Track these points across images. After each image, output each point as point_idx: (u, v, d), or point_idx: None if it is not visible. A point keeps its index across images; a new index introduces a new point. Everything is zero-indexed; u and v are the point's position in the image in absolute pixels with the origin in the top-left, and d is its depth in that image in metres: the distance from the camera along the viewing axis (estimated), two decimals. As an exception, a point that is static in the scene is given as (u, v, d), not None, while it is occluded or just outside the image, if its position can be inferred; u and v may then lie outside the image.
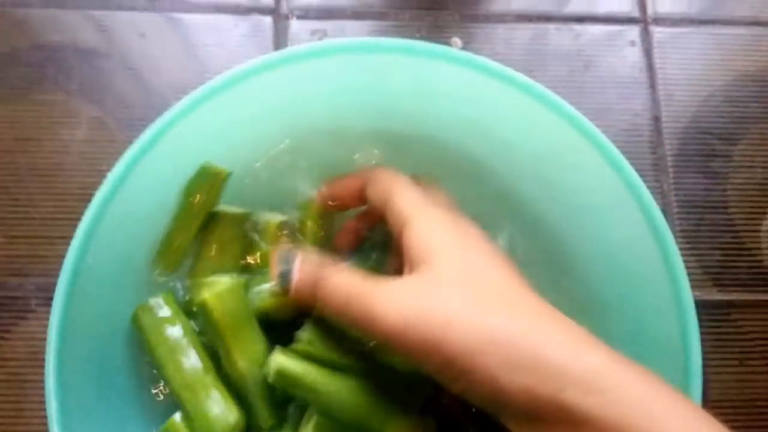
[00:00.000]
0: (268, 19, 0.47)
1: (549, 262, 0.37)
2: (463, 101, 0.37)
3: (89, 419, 0.32)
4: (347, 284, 0.27)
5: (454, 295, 0.25)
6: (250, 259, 0.36)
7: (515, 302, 0.25)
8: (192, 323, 0.34)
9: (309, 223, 0.36)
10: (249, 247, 0.37)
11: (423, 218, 0.28)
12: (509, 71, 0.36)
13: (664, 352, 0.33)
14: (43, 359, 0.40)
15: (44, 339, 0.40)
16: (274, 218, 0.36)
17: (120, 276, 0.34)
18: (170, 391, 0.33)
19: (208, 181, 0.36)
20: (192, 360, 0.33)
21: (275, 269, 0.30)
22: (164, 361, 0.33)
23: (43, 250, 0.42)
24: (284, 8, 0.48)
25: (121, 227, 0.34)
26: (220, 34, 0.47)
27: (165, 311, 0.34)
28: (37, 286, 0.41)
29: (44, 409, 0.39)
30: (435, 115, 0.38)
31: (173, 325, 0.34)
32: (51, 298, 0.40)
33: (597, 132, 0.35)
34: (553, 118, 0.36)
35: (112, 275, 0.34)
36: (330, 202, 0.36)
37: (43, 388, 0.39)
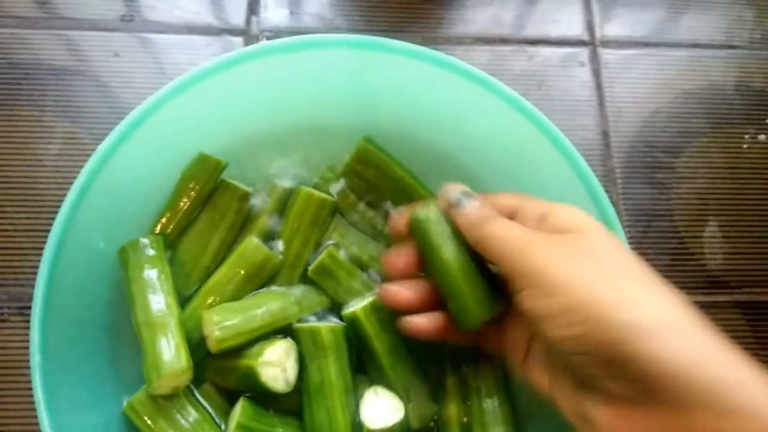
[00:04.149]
0: (238, 40, 0.49)
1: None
2: (437, 99, 0.40)
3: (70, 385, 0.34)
4: (512, 235, 0.29)
5: (615, 273, 0.27)
6: (248, 232, 0.39)
7: (658, 289, 0.27)
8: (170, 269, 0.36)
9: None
10: (246, 223, 0.39)
11: (575, 210, 0.31)
12: (482, 73, 0.39)
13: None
14: (19, 368, 0.41)
15: (19, 348, 0.41)
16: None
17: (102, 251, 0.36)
18: (134, 325, 0.34)
19: (205, 170, 0.38)
20: (160, 301, 0.34)
21: (449, 193, 0.33)
22: (135, 297, 0.35)
23: (17, 261, 0.43)
24: (254, 29, 0.50)
25: (109, 199, 0.36)
26: (192, 53, 0.49)
27: (150, 251, 0.36)
28: (10, 296, 0.42)
29: (21, 418, 0.40)
30: (410, 111, 0.40)
31: (153, 266, 0.35)
32: (25, 308, 0.41)
33: (554, 128, 0.38)
34: (516, 116, 0.39)
35: (96, 249, 0.36)
36: None
37: (20, 397, 0.40)
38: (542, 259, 0.28)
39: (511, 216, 0.32)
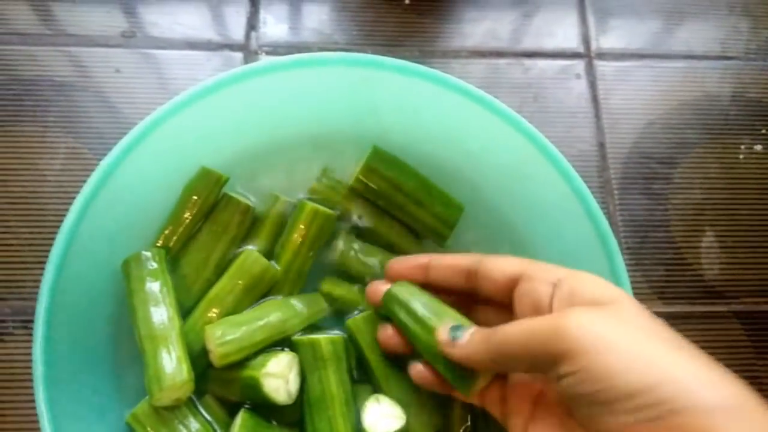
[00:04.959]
0: (238, 55, 0.50)
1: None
2: (434, 114, 0.40)
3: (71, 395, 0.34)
4: (528, 325, 0.27)
5: (673, 349, 0.25)
6: (249, 245, 0.39)
7: (682, 346, 0.25)
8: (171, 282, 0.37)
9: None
10: (247, 236, 0.40)
11: (598, 278, 0.29)
12: (474, 88, 0.39)
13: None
14: (22, 381, 0.41)
15: (23, 361, 0.41)
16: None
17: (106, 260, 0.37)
18: (136, 338, 0.35)
19: (207, 184, 0.39)
20: (161, 314, 0.35)
21: (440, 336, 0.31)
22: (137, 310, 0.35)
23: (20, 275, 0.43)
24: (254, 45, 0.51)
25: (116, 203, 0.36)
26: (193, 68, 0.49)
27: (152, 264, 0.36)
28: (13, 310, 0.42)
29: (25, 431, 0.40)
30: (413, 127, 0.41)
31: (155, 279, 0.36)
32: (29, 321, 0.42)
33: (551, 146, 0.39)
34: (514, 133, 0.39)
35: (100, 259, 0.36)
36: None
37: (22, 409, 0.41)
38: (589, 338, 0.24)
39: (513, 284, 0.31)
